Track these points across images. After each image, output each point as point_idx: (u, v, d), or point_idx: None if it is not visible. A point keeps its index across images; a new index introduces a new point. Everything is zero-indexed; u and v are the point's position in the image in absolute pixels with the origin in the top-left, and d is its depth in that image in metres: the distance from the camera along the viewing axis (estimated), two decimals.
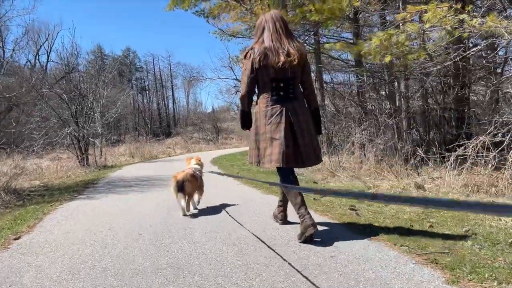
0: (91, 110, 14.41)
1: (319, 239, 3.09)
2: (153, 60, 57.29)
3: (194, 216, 4.38)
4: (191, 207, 4.58)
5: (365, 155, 8.39)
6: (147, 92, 57.62)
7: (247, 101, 3.29)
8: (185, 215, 4.34)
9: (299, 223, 3.07)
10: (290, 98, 3.16)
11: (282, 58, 3.06)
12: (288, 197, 3.28)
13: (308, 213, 3.01)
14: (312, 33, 12.93)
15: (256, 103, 3.33)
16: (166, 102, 57.24)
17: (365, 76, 8.56)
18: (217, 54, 38.25)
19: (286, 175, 3.27)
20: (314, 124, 3.34)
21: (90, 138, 15.02)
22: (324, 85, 15.23)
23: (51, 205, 5.75)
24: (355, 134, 8.80)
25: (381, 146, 7.69)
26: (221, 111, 47.07)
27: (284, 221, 3.67)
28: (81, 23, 62.36)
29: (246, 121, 3.41)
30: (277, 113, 3.11)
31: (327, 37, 14.91)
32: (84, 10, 68.49)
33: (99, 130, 20.58)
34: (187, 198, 4.38)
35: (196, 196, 4.69)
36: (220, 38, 16.08)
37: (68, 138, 13.14)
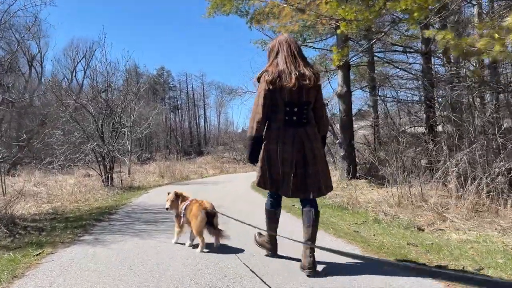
0: (118, 124, 12.62)
1: None
2: (187, 79, 56.28)
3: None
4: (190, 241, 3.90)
5: (463, 187, 6.10)
6: (179, 111, 56.78)
7: (260, 125, 2.98)
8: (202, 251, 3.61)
9: (294, 258, 3.11)
10: (303, 124, 2.97)
11: (294, 81, 2.87)
12: (266, 221, 3.23)
13: (276, 243, 3.24)
14: (373, 38, 10.82)
15: (267, 128, 3.05)
16: (197, 121, 56.22)
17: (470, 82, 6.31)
18: (259, 67, 35.88)
19: (273, 200, 3.18)
20: None
21: (117, 155, 13.27)
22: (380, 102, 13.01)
23: (37, 254, 3.80)
24: (447, 160, 6.53)
25: (501, 177, 5.38)
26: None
27: (274, 252, 3.33)
28: (117, 42, 62.49)
29: (255, 151, 3.06)
30: (290, 138, 2.92)
31: (389, 48, 12.75)
32: (119, 30, 68.78)
33: (128, 146, 18.98)
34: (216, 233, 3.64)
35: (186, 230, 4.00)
36: (262, 48, 14.18)
37: (91, 154, 11.32)
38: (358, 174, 9.85)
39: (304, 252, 2.86)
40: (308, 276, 2.78)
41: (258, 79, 3.06)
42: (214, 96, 63.09)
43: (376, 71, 14.15)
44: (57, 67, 40.41)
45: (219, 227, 3.69)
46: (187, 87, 56.83)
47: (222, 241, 3.71)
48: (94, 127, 12.06)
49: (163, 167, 18.41)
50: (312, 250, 2.83)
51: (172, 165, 18.32)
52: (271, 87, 2.89)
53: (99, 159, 11.98)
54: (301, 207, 3.06)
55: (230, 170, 20.53)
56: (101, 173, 11.96)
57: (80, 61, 39.36)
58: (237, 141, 40.63)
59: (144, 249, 3.82)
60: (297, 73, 2.89)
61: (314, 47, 12.40)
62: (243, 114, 70.84)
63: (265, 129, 3.03)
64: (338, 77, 10.11)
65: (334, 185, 9.28)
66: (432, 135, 8.59)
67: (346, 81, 9.99)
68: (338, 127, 14.69)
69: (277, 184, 2.97)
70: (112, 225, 5.31)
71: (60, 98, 11.74)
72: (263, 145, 3.01)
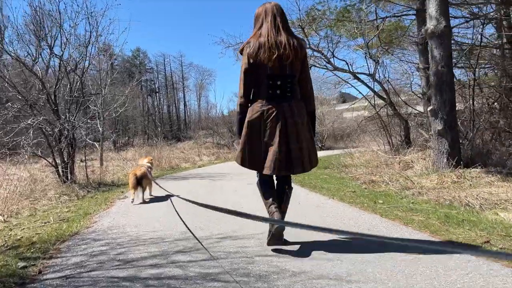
0: (80, 92, 8.23)
1: None
2: (164, 60, 51.15)
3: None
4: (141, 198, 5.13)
5: None
6: (157, 94, 51.83)
7: (244, 100, 2.78)
8: (132, 202, 4.96)
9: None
10: (287, 97, 2.72)
11: (275, 54, 2.63)
12: (263, 200, 2.83)
13: (277, 211, 2.65)
14: None
15: (251, 103, 2.80)
16: (177, 104, 51.44)
17: None
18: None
19: (265, 179, 2.85)
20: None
21: (84, 136, 9.02)
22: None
23: None
24: None
25: None
26: (232, 115, 40.99)
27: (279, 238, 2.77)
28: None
29: (242, 126, 2.79)
30: (273, 114, 2.67)
31: None
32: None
33: (100, 129, 14.56)
34: (143, 191, 5.10)
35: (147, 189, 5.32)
36: None
37: (31, 134, 6.99)
38: (463, 160, 5.99)
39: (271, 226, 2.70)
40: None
41: (241, 52, 2.80)
42: (193, 79, 58.20)
43: None
44: (18, 42, 34.49)
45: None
46: (164, 69, 51.93)
47: None
48: (44, 95, 7.72)
49: (143, 154, 14.13)
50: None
51: (157, 151, 13.96)
52: (251, 60, 2.68)
53: (52, 143, 7.71)
54: (276, 182, 2.92)
55: (230, 157, 16.25)
56: (56, 164, 7.69)
57: (45, 36, 33.69)
58: (221, 125, 36.44)
59: None
60: (278, 46, 2.65)
61: None
62: (226, 96, 66.17)
63: (249, 104, 2.80)
64: (430, 4, 6.11)
65: (434, 179, 5.29)
66: None
67: (444, 11, 6.01)
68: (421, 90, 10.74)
69: (259, 162, 2.71)
70: None
71: None
72: (246, 121, 2.75)
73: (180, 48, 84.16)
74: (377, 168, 7.51)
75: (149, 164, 5.53)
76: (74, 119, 7.96)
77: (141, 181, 4.98)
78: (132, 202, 4.91)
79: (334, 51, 8.52)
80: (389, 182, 5.95)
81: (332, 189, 5.62)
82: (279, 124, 2.64)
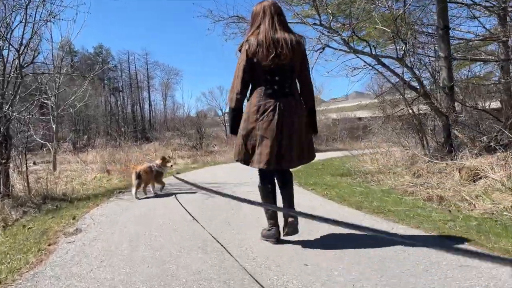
0: (16, 72, 5.77)
1: None
2: (128, 58, 47.83)
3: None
4: (148, 193, 5.49)
5: None
6: (120, 93, 48.39)
7: (240, 97, 2.69)
8: (137, 198, 5.24)
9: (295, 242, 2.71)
10: (285, 93, 2.65)
11: (273, 54, 2.56)
12: (262, 202, 2.82)
13: (277, 225, 2.75)
14: None
15: (248, 99, 2.75)
16: (142, 104, 48.20)
17: None
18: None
19: (265, 178, 2.81)
20: (310, 123, 2.79)
21: (34, 136, 6.69)
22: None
23: None
24: None
25: None
26: (200, 116, 38.57)
27: (278, 238, 2.78)
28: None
29: (236, 123, 2.75)
30: (270, 109, 2.59)
31: None
32: None
33: (53, 126, 11.95)
34: (142, 185, 5.33)
35: (151, 185, 5.57)
36: None
37: None
38: None
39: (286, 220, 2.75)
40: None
41: (240, 49, 2.74)
42: (159, 78, 54.87)
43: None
44: None
45: None
46: (129, 67, 48.64)
47: None
48: None
49: (106, 156, 11.64)
50: (296, 217, 2.71)
51: (123, 153, 11.50)
52: (251, 58, 2.60)
53: None
54: (277, 179, 2.85)
55: (209, 160, 13.87)
56: None
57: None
58: (189, 126, 33.80)
59: None
60: (276, 44, 2.57)
61: None
62: (194, 96, 63.35)
63: (243, 101, 2.73)
64: None
65: None
66: None
67: None
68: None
69: (258, 158, 2.62)
70: None
71: None
72: (243, 117, 2.72)
73: (145, 45, 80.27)
74: (421, 177, 5.64)
75: (157, 163, 5.71)
76: (8, 108, 5.55)
77: (141, 176, 5.30)
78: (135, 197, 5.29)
79: (354, 28, 6.59)
80: (472, 201, 4.06)
81: (405, 216, 3.61)
82: (275, 119, 2.56)
